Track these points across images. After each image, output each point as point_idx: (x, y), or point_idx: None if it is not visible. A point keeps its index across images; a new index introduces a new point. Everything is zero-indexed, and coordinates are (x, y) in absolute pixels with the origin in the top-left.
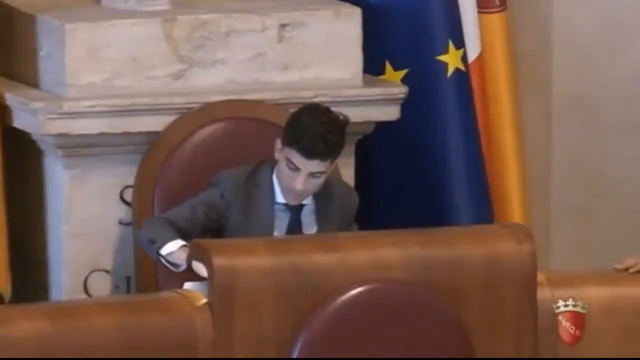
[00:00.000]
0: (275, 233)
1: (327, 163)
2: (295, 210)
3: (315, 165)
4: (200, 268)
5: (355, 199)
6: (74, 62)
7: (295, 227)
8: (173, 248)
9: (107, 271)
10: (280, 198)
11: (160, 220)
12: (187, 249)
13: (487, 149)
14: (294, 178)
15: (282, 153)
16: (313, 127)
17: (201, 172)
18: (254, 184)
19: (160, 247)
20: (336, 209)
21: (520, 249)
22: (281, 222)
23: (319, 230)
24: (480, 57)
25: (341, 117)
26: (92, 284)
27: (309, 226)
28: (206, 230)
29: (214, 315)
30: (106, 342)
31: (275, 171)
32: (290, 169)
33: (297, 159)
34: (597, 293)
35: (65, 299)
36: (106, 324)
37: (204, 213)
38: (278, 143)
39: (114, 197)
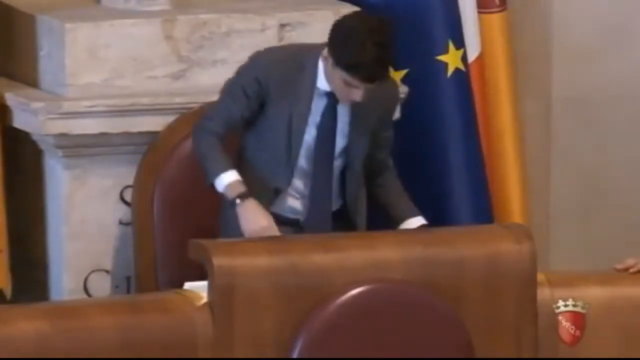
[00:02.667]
0: (311, 117)
1: None
2: (334, 98)
3: (375, 83)
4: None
5: (396, 92)
6: (74, 62)
7: (330, 113)
8: (223, 183)
9: (107, 271)
10: (321, 84)
11: (207, 137)
12: (233, 186)
13: (487, 149)
14: (351, 91)
15: (335, 70)
16: (368, 51)
17: (201, 172)
18: (299, 64)
19: (212, 180)
20: (375, 101)
21: (520, 249)
22: (317, 107)
23: (352, 122)
24: (480, 57)
25: (385, 19)
26: (92, 284)
27: (343, 114)
28: (247, 115)
29: (214, 315)
30: (106, 342)
31: (323, 69)
32: (347, 85)
33: (356, 82)
34: (597, 293)
35: (65, 299)
36: (106, 324)
37: (241, 108)
38: (326, 55)
39: (114, 197)
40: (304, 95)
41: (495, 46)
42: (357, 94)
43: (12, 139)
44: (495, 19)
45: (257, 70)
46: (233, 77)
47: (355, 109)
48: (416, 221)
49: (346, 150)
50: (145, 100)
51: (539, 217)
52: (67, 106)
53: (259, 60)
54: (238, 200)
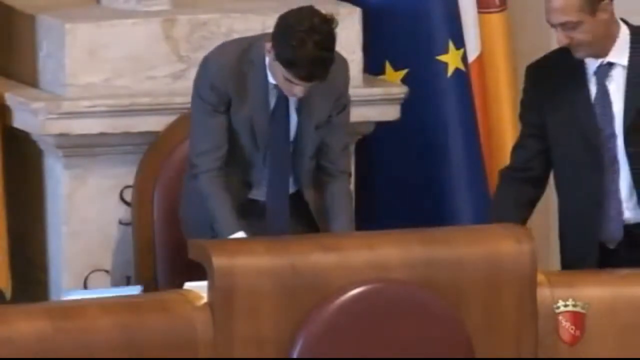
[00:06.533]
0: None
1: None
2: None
3: (314, 83)
4: None
5: (345, 69)
6: (74, 62)
7: (282, 104)
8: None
9: (107, 271)
10: (271, 78)
11: (209, 186)
12: None
13: (487, 149)
14: (292, 86)
15: (275, 64)
16: (307, 50)
17: None
18: (248, 60)
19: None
20: (324, 86)
21: (520, 249)
22: (272, 101)
23: (300, 112)
24: (480, 57)
25: (329, 18)
26: (92, 284)
27: (292, 104)
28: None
29: (214, 315)
30: (106, 342)
31: (267, 63)
32: (287, 80)
33: (295, 80)
34: (597, 293)
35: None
36: (106, 324)
37: (218, 121)
38: (269, 50)
39: (114, 197)
40: (259, 92)
41: (495, 46)
42: (298, 90)
43: (12, 139)
44: (495, 19)
45: (211, 77)
46: (193, 94)
47: (304, 99)
48: None
49: (295, 140)
50: (145, 100)
51: (539, 217)
52: (67, 106)
53: (209, 65)
54: None
